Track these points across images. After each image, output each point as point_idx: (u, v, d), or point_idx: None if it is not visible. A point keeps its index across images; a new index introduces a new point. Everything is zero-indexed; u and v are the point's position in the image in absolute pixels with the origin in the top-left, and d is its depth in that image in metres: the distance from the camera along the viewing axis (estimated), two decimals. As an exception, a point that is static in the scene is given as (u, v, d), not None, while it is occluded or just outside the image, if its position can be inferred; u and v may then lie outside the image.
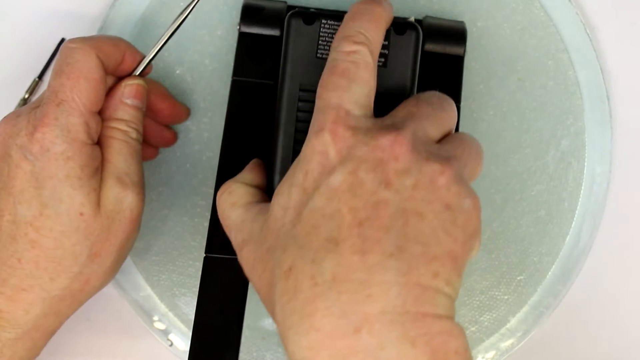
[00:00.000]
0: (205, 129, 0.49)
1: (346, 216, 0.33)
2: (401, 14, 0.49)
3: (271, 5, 0.45)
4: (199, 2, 0.43)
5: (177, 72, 0.49)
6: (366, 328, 0.31)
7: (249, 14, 0.45)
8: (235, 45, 0.45)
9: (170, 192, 0.49)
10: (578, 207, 0.50)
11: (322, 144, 0.35)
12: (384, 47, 0.41)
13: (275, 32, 0.45)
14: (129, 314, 0.49)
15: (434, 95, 0.38)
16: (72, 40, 0.41)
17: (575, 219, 0.50)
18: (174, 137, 0.49)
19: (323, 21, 0.41)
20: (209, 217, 0.43)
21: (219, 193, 0.40)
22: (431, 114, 0.36)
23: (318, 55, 0.41)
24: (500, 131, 0.50)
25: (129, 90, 0.43)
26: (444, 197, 0.33)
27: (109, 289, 0.49)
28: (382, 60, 0.41)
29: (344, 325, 0.31)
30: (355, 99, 0.36)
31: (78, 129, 0.40)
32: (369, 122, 0.35)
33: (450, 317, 0.33)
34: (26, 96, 0.49)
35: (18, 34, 0.50)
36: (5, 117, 0.41)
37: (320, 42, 0.41)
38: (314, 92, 0.39)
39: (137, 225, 0.43)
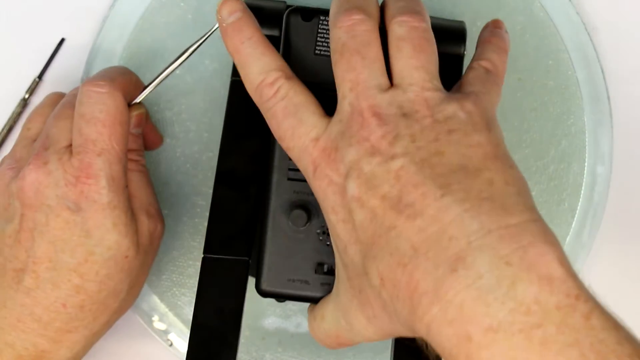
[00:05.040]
0: (205, 129, 0.49)
1: (378, 207, 0.33)
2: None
3: (270, 5, 0.45)
4: (207, 38, 0.42)
5: (177, 72, 0.48)
6: (460, 264, 0.30)
7: None
8: (235, 45, 0.45)
9: (170, 192, 0.49)
10: (578, 208, 0.50)
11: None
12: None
13: (274, 32, 0.45)
14: (128, 313, 0.49)
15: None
16: (98, 84, 0.40)
17: (575, 219, 0.50)
18: (160, 140, 0.49)
19: (321, 18, 0.41)
20: (208, 217, 0.43)
21: (312, 325, 0.40)
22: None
23: (316, 51, 0.41)
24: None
25: (134, 121, 0.43)
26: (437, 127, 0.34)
27: (109, 289, 0.49)
28: None
29: (442, 273, 0.31)
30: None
31: (121, 176, 0.40)
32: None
33: (532, 218, 0.32)
34: (26, 96, 0.49)
35: (18, 34, 0.50)
36: (30, 165, 0.40)
37: (318, 38, 0.41)
38: (312, 87, 0.39)
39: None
